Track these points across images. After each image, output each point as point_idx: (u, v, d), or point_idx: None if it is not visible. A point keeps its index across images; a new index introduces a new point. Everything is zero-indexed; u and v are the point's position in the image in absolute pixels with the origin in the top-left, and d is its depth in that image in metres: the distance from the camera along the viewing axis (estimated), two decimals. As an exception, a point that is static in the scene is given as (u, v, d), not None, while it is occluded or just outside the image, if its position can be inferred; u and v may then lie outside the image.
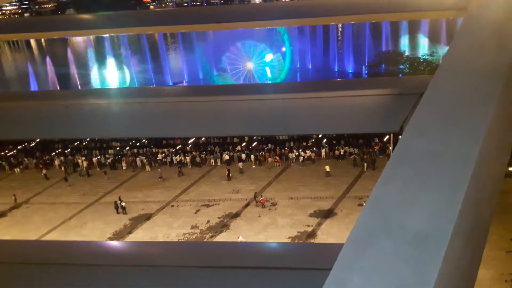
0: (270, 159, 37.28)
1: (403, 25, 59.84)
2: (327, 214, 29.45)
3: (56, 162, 40.53)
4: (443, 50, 52.10)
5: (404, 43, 58.77)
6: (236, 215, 30.35)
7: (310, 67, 65.55)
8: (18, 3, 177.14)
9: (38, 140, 40.70)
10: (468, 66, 2.42)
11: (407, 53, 52.84)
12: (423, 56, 49.47)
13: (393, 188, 1.57)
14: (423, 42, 58.51)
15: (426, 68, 43.14)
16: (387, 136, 35.34)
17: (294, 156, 37.32)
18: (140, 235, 29.00)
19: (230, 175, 35.30)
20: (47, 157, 41.13)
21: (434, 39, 57.06)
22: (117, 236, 29.05)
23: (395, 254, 1.31)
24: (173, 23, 5.56)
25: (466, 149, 1.70)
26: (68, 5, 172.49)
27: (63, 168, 39.31)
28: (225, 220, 29.89)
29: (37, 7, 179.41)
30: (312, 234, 27.50)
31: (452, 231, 1.35)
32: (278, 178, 35.17)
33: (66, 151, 41.94)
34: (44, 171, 38.42)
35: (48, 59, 63.14)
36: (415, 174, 1.63)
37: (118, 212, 31.56)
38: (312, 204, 30.66)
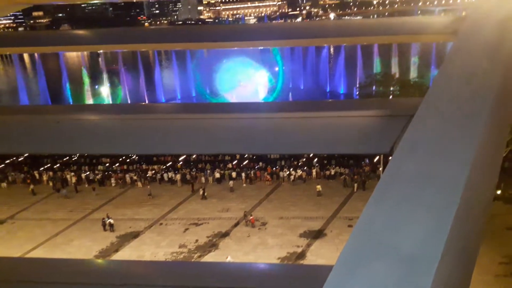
0: (266, 174, 37.26)
1: (394, 48, 60.96)
2: (317, 234, 29.30)
3: (45, 177, 40.03)
4: (433, 72, 53.05)
5: (395, 65, 59.79)
6: (225, 235, 30.06)
7: (302, 87, 66.26)
8: (12, 18, 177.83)
9: (27, 154, 40.25)
10: (458, 89, 2.46)
11: (398, 75, 53.67)
12: (413, 78, 50.26)
13: (383, 210, 1.56)
14: (414, 65, 59.57)
15: (417, 90, 43.73)
16: (377, 157, 35.57)
17: (285, 175, 37.32)
18: (127, 253, 28.52)
19: (205, 194, 35.01)
20: (35, 172, 40.63)
21: (425, 62, 58.13)
22: (104, 254, 28.54)
23: (386, 276, 1.30)
24: (168, 40, 5.60)
25: (456, 171, 1.71)
26: (63, 20, 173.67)
27: (51, 183, 38.80)
28: (214, 240, 29.57)
29: (31, 21, 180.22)
30: (302, 255, 27.29)
31: (442, 253, 1.34)
32: (269, 197, 35.05)
33: (55, 167, 41.49)
34: (31, 187, 37.88)
35: (40, 74, 63.08)
36: (405, 195, 1.63)
37: (105, 230, 31.07)
38: (302, 224, 30.51)
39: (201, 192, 35.20)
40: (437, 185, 1.65)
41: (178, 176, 38.09)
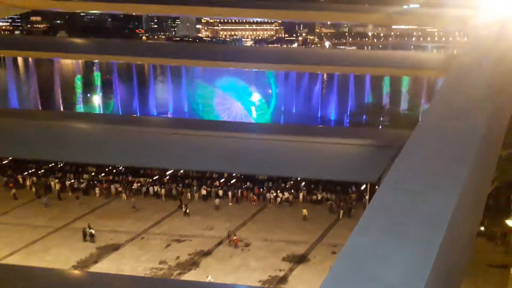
0: (252, 194, 37.05)
1: (386, 79, 62.03)
2: (300, 259, 29.03)
3: (28, 182, 39.32)
4: (424, 106, 53.93)
5: (386, 96, 60.71)
6: (207, 253, 29.63)
7: (294, 110, 66.79)
8: (10, 20, 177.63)
9: (11, 158, 39.59)
10: (447, 125, 2.50)
11: (388, 107, 54.45)
12: (404, 111, 51.03)
13: (367, 240, 1.57)
14: (405, 97, 60.57)
15: (406, 123, 44.30)
16: (364, 185, 35.64)
17: (272, 196, 37.16)
18: (106, 265, 27.91)
19: (188, 211, 34.58)
20: (18, 177, 39.91)
21: (416, 95, 59.12)
22: (82, 265, 27.90)
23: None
24: (164, 56, 5.64)
25: (441, 205, 1.73)
26: (61, 27, 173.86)
27: (34, 189, 38.10)
28: (196, 258, 29.11)
29: (29, 26, 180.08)
30: (283, 279, 26.95)
31: (424, 286, 1.34)
32: (254, 217, 34.78)
33: (39, 172, 40.83)
34: (13, 191, 37.15)
35: (32, 79, 62.75)
36: (389, 227, 1.64)
37: (85, 240, 30.44)
38: (286, 248, 30.24)
39: (183, 209, 34.76)
40: (422, 218, 1.66)
41: (163, 191, 37.70)
